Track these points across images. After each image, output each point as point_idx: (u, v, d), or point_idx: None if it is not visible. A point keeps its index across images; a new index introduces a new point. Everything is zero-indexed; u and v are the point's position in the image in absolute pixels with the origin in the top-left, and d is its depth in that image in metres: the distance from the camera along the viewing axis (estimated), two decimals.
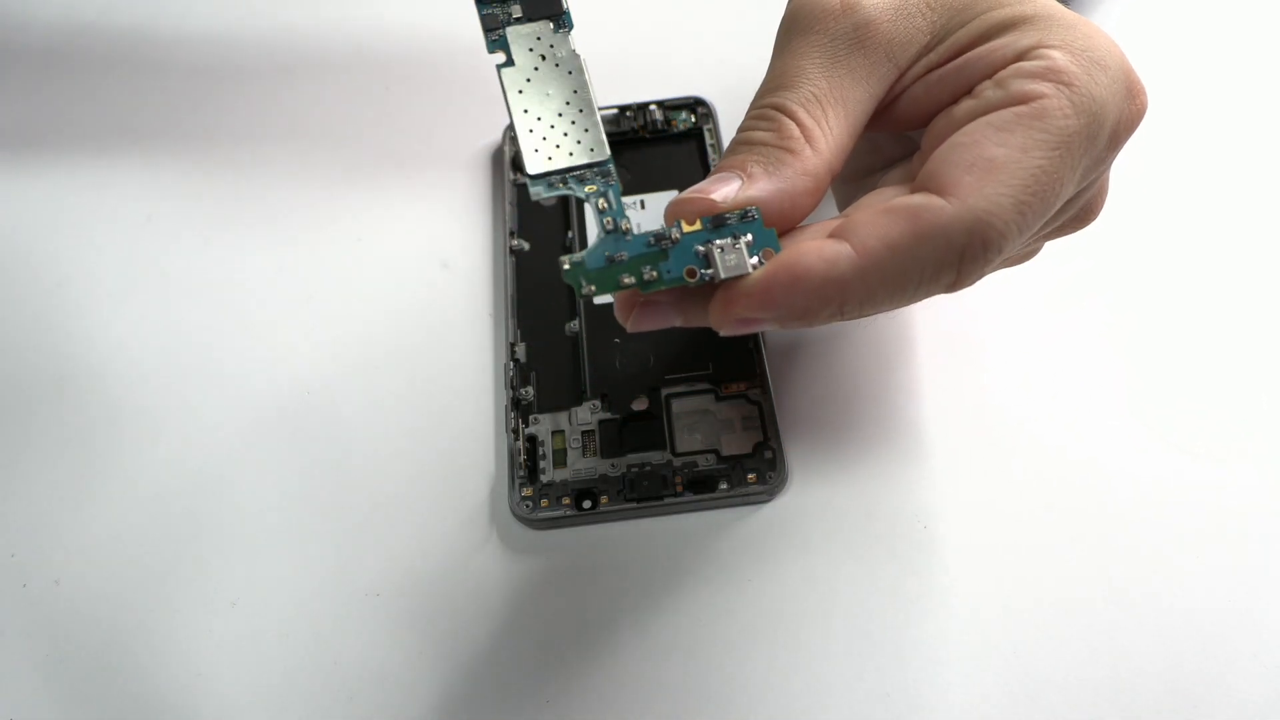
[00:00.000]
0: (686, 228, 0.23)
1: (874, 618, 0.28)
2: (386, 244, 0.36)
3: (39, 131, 0.40)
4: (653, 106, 0.38)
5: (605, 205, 0.24)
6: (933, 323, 0.33)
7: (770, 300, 0.22)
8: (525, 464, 0.31)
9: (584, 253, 0.23)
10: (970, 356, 0.32)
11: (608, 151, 0.24)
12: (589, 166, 0.24)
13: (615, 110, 0.38)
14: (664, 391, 0.32)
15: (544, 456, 0.31)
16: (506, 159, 0.37)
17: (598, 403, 0.32)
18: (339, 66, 0.42)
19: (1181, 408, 0.31)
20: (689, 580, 0.29)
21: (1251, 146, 0.37)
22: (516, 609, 0.29)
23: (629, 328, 0.25)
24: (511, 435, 0.31)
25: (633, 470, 0.30)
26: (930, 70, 0.24)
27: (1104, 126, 0.23)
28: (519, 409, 0.32)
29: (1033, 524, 0.29)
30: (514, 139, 0.38)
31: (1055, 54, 0.23)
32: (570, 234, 0.35)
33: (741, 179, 0.23)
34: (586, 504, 0.30)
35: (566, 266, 0.23)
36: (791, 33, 0.25)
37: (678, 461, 0.30)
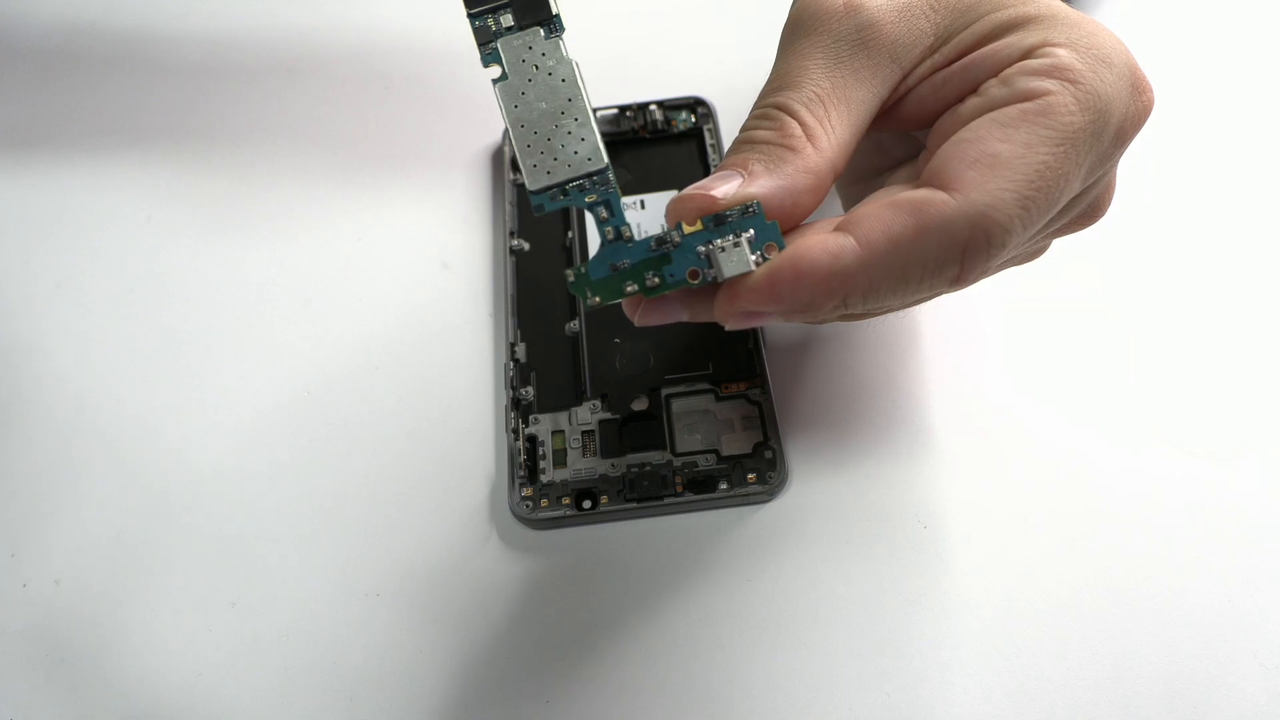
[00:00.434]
0: (688, 229, 0.23)
1: (874, 617, 0.28)
2: (386, 244, 0.36)
3: (39, 131, 0.40)
4: (653, 106, 0.38)
5: (606, 215, 0.24)
6: (933, 322, 0.33)
7: (774, 293, 0.22)
8: (525, 464, 0.31)
9: (587, 263, 0.23)
10: (970, 356, 0.32)
11: (605, 159, 0.24)
12: (587, 176, 0.24)
13: (615, 110, 0.38)
14: (664, 391, 0.32)
15: (544, 456, 0.31)
16: (506, 159, 0.37)
17: (598, 403, 0.32)
18: (339, 67, 0.42)
19: (1182, 408, 0.31)
20: (689, 580, 0.29)
21: (1252, 144, 0.37)
22: (516, 609, 0.29)
23: (636, 322, 0.25)
24: (511, 435, 0.31)
25: (633, 470, 0.30)
26: (936, 71, 0.24)
27: (1109, 123, 0.23)
28: (519, 409, 0.32)
29: (1033, 524, 0.29)
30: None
31: (1060, 52, 0.23)
32: (570, 234, 0.35)
33: (742, 176, 0.24)
34: (586, 504, 0.30)
35: (572, 279, 0.23)
36: (795, 34, 0.25)
37: (678, 461, 0.30)
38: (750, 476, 0.30)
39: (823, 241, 0.22)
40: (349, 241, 0.37)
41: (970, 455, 0.30)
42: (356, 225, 0.37)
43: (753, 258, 0.23)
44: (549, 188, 0.24)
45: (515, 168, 0.37)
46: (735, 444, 0.31)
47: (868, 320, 0.32)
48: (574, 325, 0.33)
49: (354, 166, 0.39)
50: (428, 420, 0.32)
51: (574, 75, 0.24)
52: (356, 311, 0.35)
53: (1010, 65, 0.23)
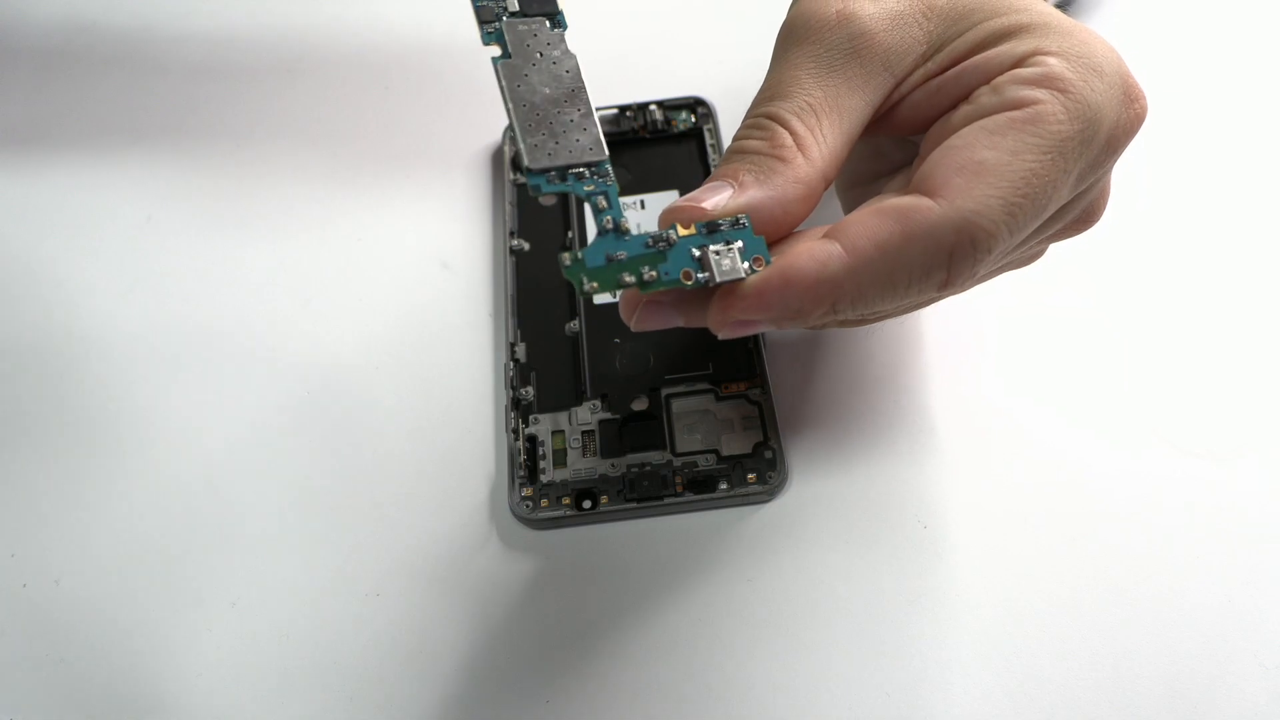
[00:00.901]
0: (682, 231, 0.23)
1: (874, 617, 0.28)
2: (386, 244, 0.36)
3: (39, 131, 0.40)
4: (653, 106, 0.38)
5: (604, 204, 0.24)
6: (933, 323, 0.33)
7: (764, 302, 0.23)
8: (525, 464, 0.31)
9: (583, 250, 0.23)
10: (970, 356, 0.32)
11: (606, 152, 0.24)
12: (588, 165, 0.24)
13: (615, 110, 0.38)
14: (664, 391, 0.32)
15: (544, 456, 0.31)
16: (506, 159, 0.37)
17: (598, 403, 0.32)
18: (339, 67, 0.42)
19: (1182, 408, 0.31)
20: (689, 580, 0.29)
21: (1249, 149, 0.37)
22: (516, 609, 0.29)
23: (633, 327, 0.25)
24: (511, 435, 0.31)
25: (633, 470, 0.30)
26: (929, 78, 0.25)
27: (1099, 131, 0.23)
28: (519, 409, 0.32)
29: (1033, 524, 0.29)
30: (514, 139, 0.38)
31: (1052, 60, 0.23)
32: (570, 234, 0.35)
33: (733, 187, 0.24)
34: (586, 504, 0.30)
35: (567, 263, 0.23)
36: (789, 43, 0.25)
37: (678, 461, 0.30)
38: (750, 476, 0.30)
39: (810, 249, 0.22)
40: (349, 241, 0.37)
41: (970, 455, 0.30)
42: (356, 225, 0.37)
43: (744, 265, 0.23)
44: (549, 169, 0.24)
45: (515, 167, 0.37)
46: (735, 444, 0.31)
47: (866, 326, 0.32)
48: (574, 325, 0.33)
49: (354, 166, 0.39)
50: (428, 420, 0.32)
51: (578, 68, 0.24)
52: (356, 311, 0.35)
53: (1002, 73, 0.24)
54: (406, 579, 0.29)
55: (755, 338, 0.32)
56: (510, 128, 0.23)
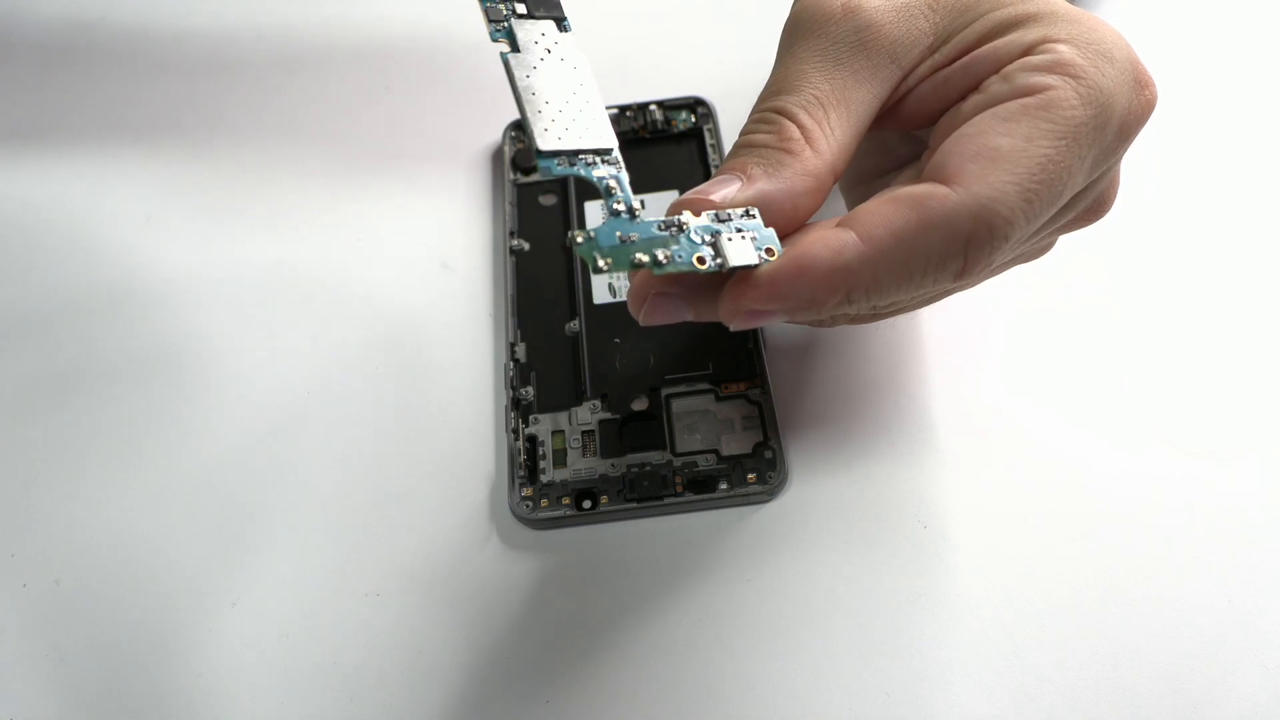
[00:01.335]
0: (692, 218, 0.23)
1: (874, 617, 0.28)
2: (386, 244, 0.36)
3: (40, 129, 0.40)
4: (653, 106, 0.38)
5: (615, 188, 0.24)
6: (933, 322, 0.33)
7: (777, 291, 0.22)
8: (525, 464, 0.31)
9: (595, 229, 0.22)
10: (970, 356, 0.32)
11: (615, 141, 0.24)
12: (597, 152, 0.24)
13: (615, 110, 0.38)
14: (664, 391, 0.32)
15: (544, 456, 0.31)
16: (506, 159, 0.37)
17: (598, 403, 0.32)
18: (340, 65, 0.42)
19: (1182, 408, 0.31)
20: (689, 580, 0.29)
21: (1253, 143, 0.37)
22: (516, 609, 0.29)
23: (642, 321, 0.24)
24: (511, 435, 0.31)
25: (633, 470, 0.30)
26: (936, 70, 0.24)
27: (1112, 117, 0.23)
28: (519, 409, 0.32)
29: (1033, 524, 0.29)
30: (515, 138, 0.38)
31: (1061, 48, 0.23)
32: (571, 234, 0.35)
33: (741, 180, 0.23)
34: (586, 504, 0.30)
35: (580, 240, 0.22)
36: (794, 37, 0.25)
37: (678, 461, 0.30)
38: (750, 476, 0.30)
39: (824, 237, 0.22)
40: (349, 241, 0.37)
41: (970, 455, 0.30)
42: (357, 225, 0.37)
43: (757, 253, 0.23)
44: (559, 152, 0.23)
45: (516, 167, 0.37)
46: (735, 444, 0.31)
47: (872, 324, 0.32)
48: (574, 325, 0.33)
49: (355, 165, 0.39)
50: (428, 420, 0.32)
51: (585, 64, 0.24)
52: (356, 311, 0.35)
53: (1011, 62, 0.23)
54: (407, 579, 0.29)
55: (755, 338, 0.32)
56: (520, 115, 0.23)
